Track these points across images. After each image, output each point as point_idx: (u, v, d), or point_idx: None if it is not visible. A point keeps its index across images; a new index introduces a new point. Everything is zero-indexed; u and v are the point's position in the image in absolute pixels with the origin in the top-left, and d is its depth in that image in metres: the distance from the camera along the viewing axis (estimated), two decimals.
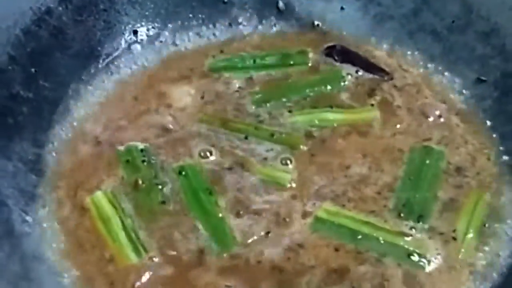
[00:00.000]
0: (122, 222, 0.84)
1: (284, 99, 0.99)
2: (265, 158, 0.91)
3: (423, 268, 0.81)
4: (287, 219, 0.85)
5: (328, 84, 1.01)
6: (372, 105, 0.98)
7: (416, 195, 0.87)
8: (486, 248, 0.83)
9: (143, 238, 0.83)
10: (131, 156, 0.91)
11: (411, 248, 0.82)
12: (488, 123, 0.95)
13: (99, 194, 0.87)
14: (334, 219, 0.85)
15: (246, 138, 0.93)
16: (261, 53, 1.05)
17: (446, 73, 1.01)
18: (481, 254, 0.82)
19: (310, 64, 1.04)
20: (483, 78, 0.98)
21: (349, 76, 1.02)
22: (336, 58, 1.04)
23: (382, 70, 1.02)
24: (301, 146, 0.93)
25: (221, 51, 1.05)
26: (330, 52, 1.05)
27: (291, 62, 1.04)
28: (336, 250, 0.82)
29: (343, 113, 0.97)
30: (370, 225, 0.84)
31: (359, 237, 0.83)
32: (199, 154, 0.92)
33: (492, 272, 0.81)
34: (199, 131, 0.95)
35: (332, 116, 0.96)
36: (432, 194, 0.88)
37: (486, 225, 0.85)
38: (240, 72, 1.02)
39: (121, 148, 0.92)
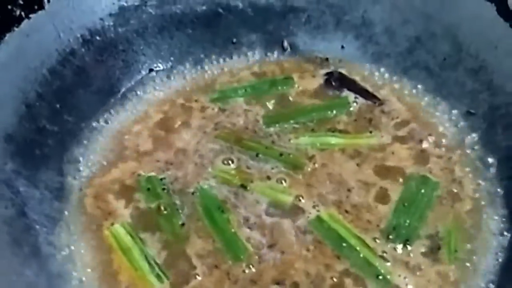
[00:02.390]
0: (142, 251, 0.90)
1: (292, 121, 1.05)
2: (269, 177, 0.97)
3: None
4: (288, 234, 0.91)
5: (334, 109, 1.06)
6: (371, 132, 1.03)
7: (407, 221, 0.92)
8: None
9: (164, 262, 0.89)
10: (151, 185, 0.96)
11: (382, 271, 0.87)
12: (477, 153, 1.00)
13: (117, 226, 0.92)
14: (331, 223, 0.91)
15: (257, 155, 1.00)
16: (252, 83, 1.11)
17: (438, 106, 1.06)
18: None
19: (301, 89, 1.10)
20: (472, 111, 1.03)
21: (355, 104, 1.07)
22: (334, 83, 1.10)
23: (375, 97, 1.08)
24: (305, 167, 0.98)
25: (221, 85, 1.12)
26: (328, 78, 1.11)
27: (278, 88, 1.10)
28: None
29: (344, 138, 1.02)
30: (359, 239, 0.90)
31: (344, 245, 0.89)
32: (222, 162, 0.99)
33: None
34: (218, 146, 1.02)
35: (334, 140, 1.02)
36: (421, 222, 0.92)
37: (469, 258, 0.89)
38: (239, 100, 1.09)
39: (142, 177, 0.98)
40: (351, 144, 1.02)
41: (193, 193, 0.96)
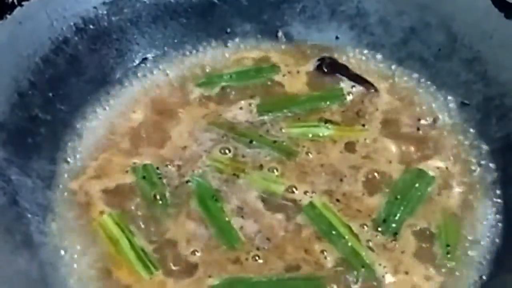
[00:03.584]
0: (130, 242, 0.90)
1: (285, 110, 1.05)
2: (261, 165, 0.97)
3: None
4: (280, 221, 0.92)
5: (328, 100, 1.06)
6: (364, 125, 1.03)
7: (398, 214, 0.92)
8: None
9: (158, 252, 0.89)
10: (147, 174, 0.96)
11: (368, 262, 0.87)
12: (471, 144, 1.00)
13: (105, 217, 0.92)
14: (322, 210, 0.91)
15: (251, 142, 1.00)
16: (238, 69, 1.11)
17: (433, 97, 1.06)
18: None
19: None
20: (466, 102, 1.03)
21: (350, 95, 1.07)
22: (325, 69, 1.10)
23: (368, 82, 1.08)
24: (299, 155, 0.99)
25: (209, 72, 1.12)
26: (320, 63, 1.11)
27: (264, 75, 1.10)
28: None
29: (336, 130, 1.02)
30: (348, 228, 0.90)
31: (333, 232, 0.90)
32: (219, 151, 0.99)
33: None
34: (213, 134, 1.02)
35: (327, 132, 1.02)
36: (413, 215, 0.92)
37: (460, 251, 0.90)
38: (234, 88, 1.08)
39: (137, 166, 0.97)
40: (343, 136, 1.02)
41: (187, 182, 0.96)
